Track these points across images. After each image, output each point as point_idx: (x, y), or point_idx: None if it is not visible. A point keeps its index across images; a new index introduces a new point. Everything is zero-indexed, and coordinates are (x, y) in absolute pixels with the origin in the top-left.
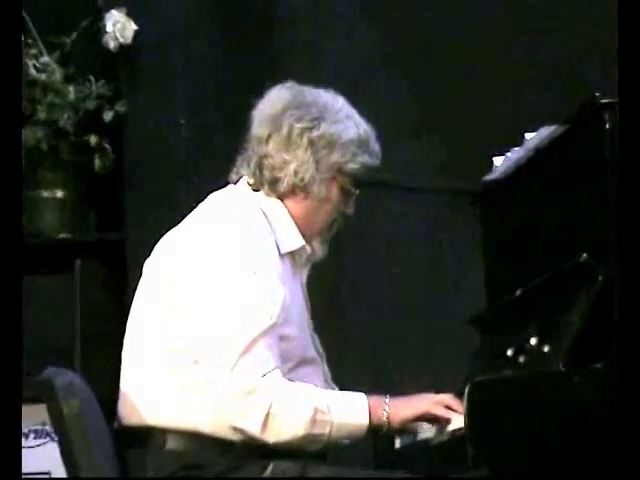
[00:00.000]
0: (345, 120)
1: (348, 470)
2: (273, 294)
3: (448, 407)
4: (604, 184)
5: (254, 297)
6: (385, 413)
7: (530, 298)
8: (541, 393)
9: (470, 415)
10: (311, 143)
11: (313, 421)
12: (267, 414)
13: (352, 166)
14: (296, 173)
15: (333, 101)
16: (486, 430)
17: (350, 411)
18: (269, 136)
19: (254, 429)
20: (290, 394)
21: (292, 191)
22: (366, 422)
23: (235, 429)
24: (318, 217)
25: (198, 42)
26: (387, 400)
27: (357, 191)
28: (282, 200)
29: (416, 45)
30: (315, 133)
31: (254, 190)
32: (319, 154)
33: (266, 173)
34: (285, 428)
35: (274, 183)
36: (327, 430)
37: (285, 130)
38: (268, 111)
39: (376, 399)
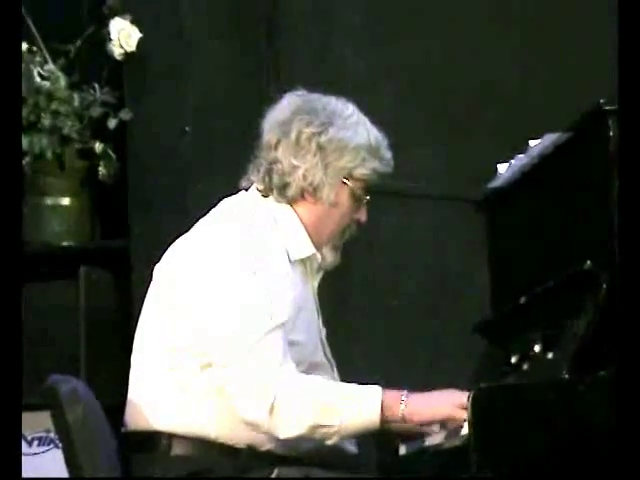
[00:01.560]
0: (355, 126)
1: (351, 476)
2: (274, 294)
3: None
4: (608, 191)
5: (254, 297)
6: (401, 409)
7: (534, 305)
8: (545, 400)
9: (474, 422)
10: (320, 148)
11: (319, 411)
12: (272, 404)
13: (362, 171)
14: (305, 177)
15: (343, 107)
16: (490, 437)
17: (361, 403)
18: (278, 141)
19: (261, 421)
20: (296, 384)
21: (301, 196)
22: (378, 415)
23: (245, 423)
24: (328, 223)
25: (203, 49)
26: (404, 397)
27: (368, 197)
28: (292, 206)
29: (421, 52)
30: (324, 138)
31: (264, 196)
32: (328, 158)
33: (275, 178)
34: (291, 418)
35: (283, 188)
36: (337, 422)
37: (294, 135)
38: (278, 117)
39: (392, 394)
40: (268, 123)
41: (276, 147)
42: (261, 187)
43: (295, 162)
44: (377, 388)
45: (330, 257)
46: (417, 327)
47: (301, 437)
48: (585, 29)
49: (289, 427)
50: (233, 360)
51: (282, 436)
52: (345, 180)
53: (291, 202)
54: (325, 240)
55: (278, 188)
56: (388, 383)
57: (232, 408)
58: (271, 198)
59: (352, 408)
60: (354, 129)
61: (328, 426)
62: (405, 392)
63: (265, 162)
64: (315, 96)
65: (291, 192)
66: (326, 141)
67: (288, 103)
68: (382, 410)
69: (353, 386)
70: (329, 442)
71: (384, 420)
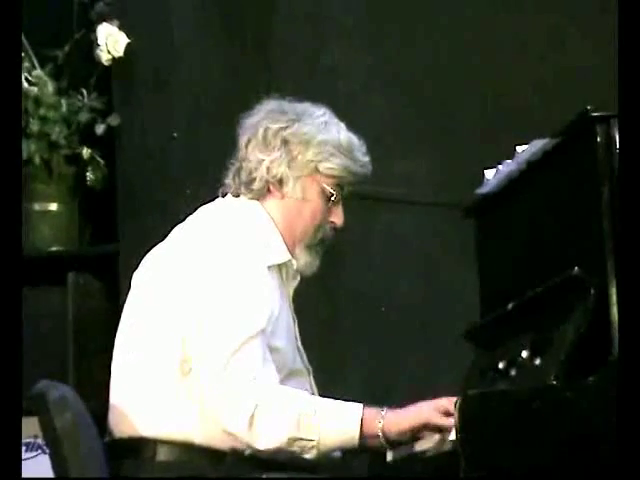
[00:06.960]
0: (323, 124)
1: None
2: (253, 299)
3: (447, 412)
4: (596, 197)
5: (232, 304)
6: (380, 424)
7: (522, 311)
8: (533, 406)
9: (462, 428)
10: (284, 142)
11: (298, 424)
12: (252, 416)
13: (327, 165)
14: (269, 170)
15: (315, 109)
16: (478, 443)
17: (340, 418)
18: (248, 141)
19: (240, 432)
20: (276, 397)
21: (268, 190)
22: (357, 431)
23: (224, 432)
24: (299, 219)
25: (191, 55)
26: (383, 412)
27: (336, 195)
28: (260, 202)
29: (413, 60)
30: (289, 131)
31: (234, 196)
32: (293, 152)
33: (243, 175)
34: (270, 430)
35: (250, 183)
36: (315, 436)
37: (261, 132)
38: (251, 120)
39: (371, 410)
40: (242, 126)
41: (246, 146)
42: (232, 187)
43: (260, 156)
44: (358, 405)
45: (303, 259)
46: (406, 332)
47: (279, 449)
48: (579, 39)
49: (268, 439)
50: (211, 369)
51: (260, 447)
52: (312, 175)
53: (259, 198)
54: (297, 238)
55: (245, 184)
56: (382, 392)
57: (207, 412)
58: (242, 198)
59: (331, 424)
60: (322, 126)
61: (307, 440)
62: (385, 408)
63: (237, 162)
64: (290, 102)
65: (256, 185)
66: (290, 134)
67: (263, 107)
68: (361, 427)
69: (333, 402)
70: (307, 456)
71: (363, 437)
